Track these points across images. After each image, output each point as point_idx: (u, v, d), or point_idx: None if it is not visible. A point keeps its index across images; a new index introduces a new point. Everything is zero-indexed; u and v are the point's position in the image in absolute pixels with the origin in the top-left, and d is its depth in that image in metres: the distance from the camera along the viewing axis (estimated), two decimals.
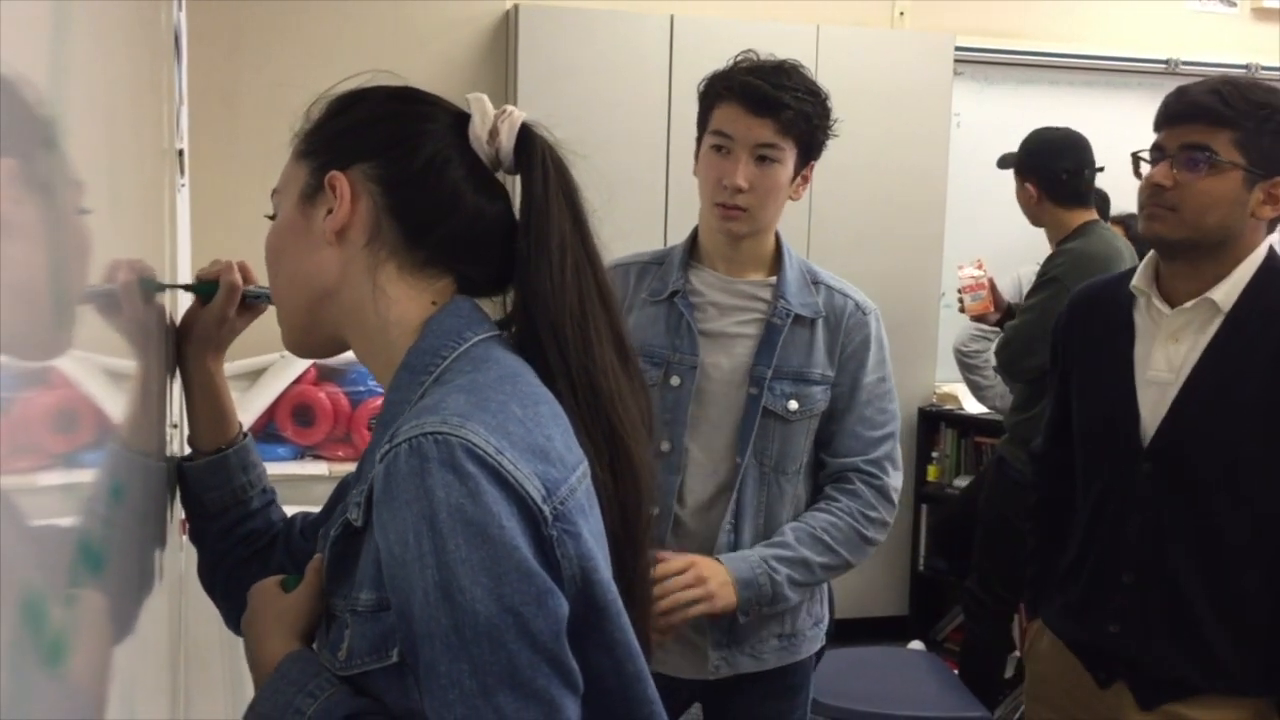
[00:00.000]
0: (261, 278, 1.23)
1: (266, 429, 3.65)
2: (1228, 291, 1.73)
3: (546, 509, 0.91)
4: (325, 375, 3.73)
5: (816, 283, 1.93)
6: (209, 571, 1.28)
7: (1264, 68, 4.96)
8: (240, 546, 1.27)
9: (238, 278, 1.23)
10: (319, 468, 3.61)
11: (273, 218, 1.11)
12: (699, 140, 1.89)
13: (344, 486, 1.21)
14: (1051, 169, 3.39)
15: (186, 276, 1.75)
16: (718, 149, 1.82)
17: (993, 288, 3.75)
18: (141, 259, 1.03)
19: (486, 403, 0.93)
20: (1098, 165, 3.42)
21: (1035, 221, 3.55)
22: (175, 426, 1.32)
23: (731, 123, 1.80)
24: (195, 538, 1.29)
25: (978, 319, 3.82)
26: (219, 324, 1.24)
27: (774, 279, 1.91)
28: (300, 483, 3.48)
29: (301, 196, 1.06)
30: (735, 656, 1.88)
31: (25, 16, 0.50)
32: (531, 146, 1.06)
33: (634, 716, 1.00)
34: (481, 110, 1.06)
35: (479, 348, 1.01)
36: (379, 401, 3.64)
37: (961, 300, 3.77)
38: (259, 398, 3.58)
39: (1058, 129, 3.52)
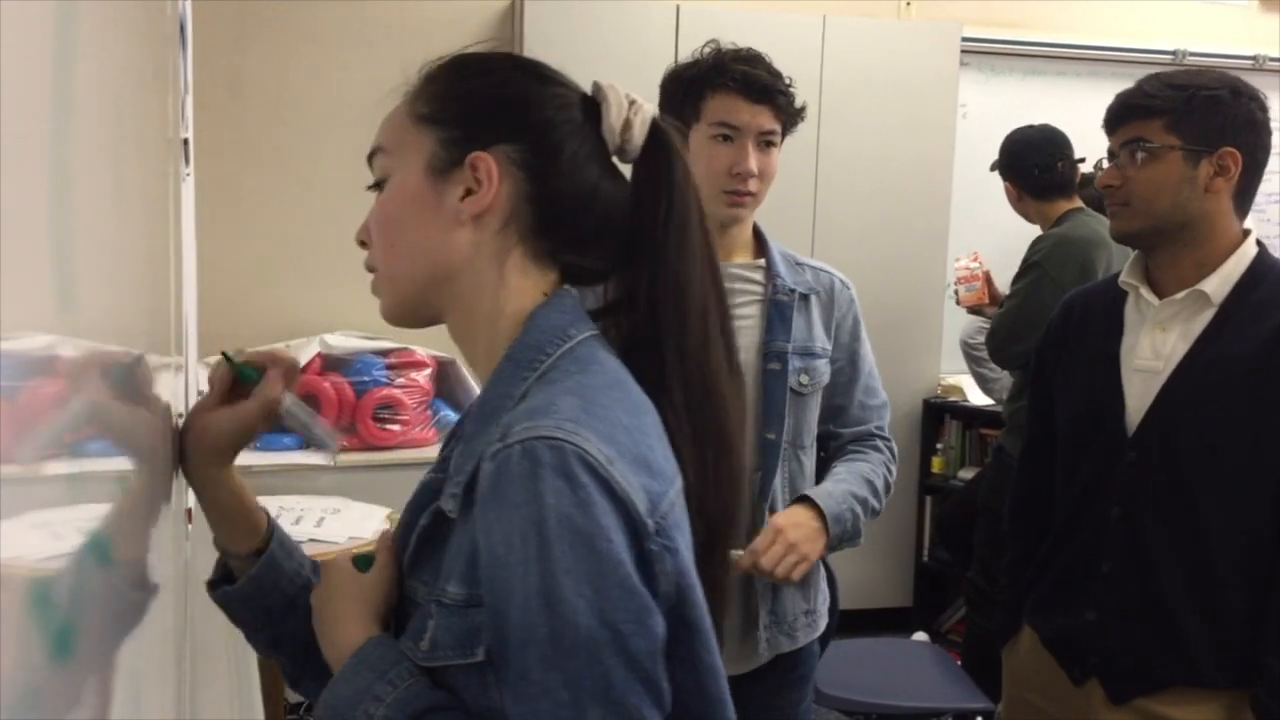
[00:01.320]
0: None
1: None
2: (1219, 284, 1.75)
3: (650, 523, 0.90)
4: (330, 365, 3.74)
5: (799, 264, 1.99)
6: (299, 670, 1.18)
7: (1271, 59, 4.95)
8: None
9: (279, 390, 1.10)
10: (324, 457, 3.61)
11: (375, 185, 1.06)
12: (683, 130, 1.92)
13: (429, 489, 1.16)
14: (1024, 166, 3.54)
15: (190, 268, 1.75)
16: (721, 139, 1.85)
17: (988, 280, 3.80)
18: (142, 357, 0.92)
19: (595, 408, 0.92)
20: (1077, 156, 3.54)
21: (1026, 218, 3.66)
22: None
23: (734, 113, 1.84)
24: (272, 647, 1.18)
25: (974, 311, 3.87)
26: (237, 433, 1.11)
27: (761, 261, 1.96)
28: (304, 472, 3.49)
29: (430, 169, 1.02)
30: (777, 637, 1.93)
31: (30, 4, 0.50)
32: (667, 140, 1.06)
33: None
34: (618, 102, 1.04)
35: (583, 347, 1.00)
36: (383, 392, 3.67)
37: (957, 291, 3.81)
38: None
39: (1032, 127, 3.65)
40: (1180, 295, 1.77)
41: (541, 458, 0.86)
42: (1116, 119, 1.82)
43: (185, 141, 1.67)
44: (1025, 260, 3.47)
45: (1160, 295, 1.81)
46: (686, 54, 1.94)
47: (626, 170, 1.09)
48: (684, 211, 1.04)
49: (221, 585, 1.18)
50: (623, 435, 0.92)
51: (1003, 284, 3.80)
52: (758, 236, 1.99)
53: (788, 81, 1.90)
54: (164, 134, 1.24)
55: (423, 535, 1.00)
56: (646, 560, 0.90)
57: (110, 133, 0.75)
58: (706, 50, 1.88)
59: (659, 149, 1.05)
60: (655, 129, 1.06)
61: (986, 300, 3.84)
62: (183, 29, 1.59)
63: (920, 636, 4.45)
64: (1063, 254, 3.35)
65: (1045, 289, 3.31)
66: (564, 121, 1.03)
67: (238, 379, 1.11)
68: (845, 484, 1.91)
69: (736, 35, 1.92)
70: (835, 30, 4.28)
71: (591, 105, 1.05)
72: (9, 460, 0.48)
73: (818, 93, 4.16)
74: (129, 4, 0.89)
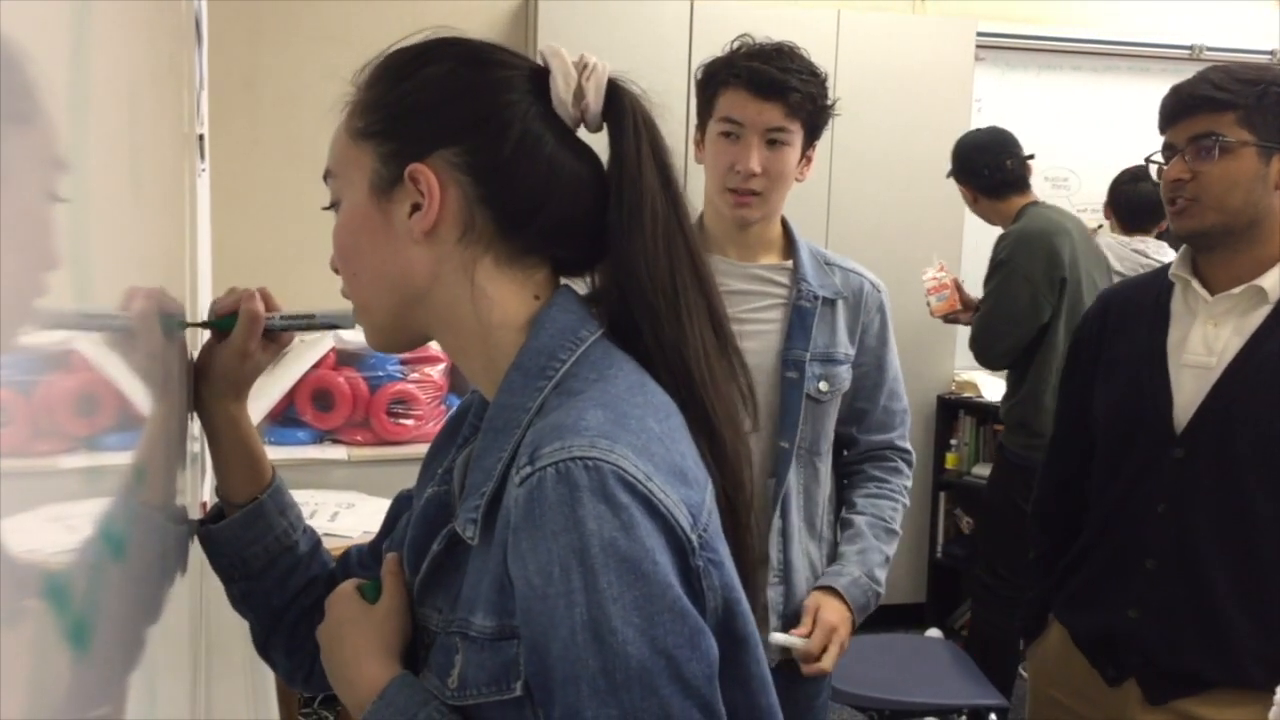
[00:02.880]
0: (287, 293, 1.15)
1: (286, 413, 3.67)
2: (1277, 280, 1.72)
3: (693, 538, 0.86)
4: (344, 360, 3.75)
5: (829, 264, 1.95)
6: (265, 633, 1.18)
7: None
8: (302, 597, 1.17)
9: (259, 306, 1.12)
10: (338, 452, 3.63)
11: (331, 206, 1.00)
12: (700, 128, 1.91)
13: (402, 500, 1.16)
14: (975, 167, 3.64)
15: (206, 263, 1.75)
16: (727, 135, 1.83)
17: (957, 286, 3.87)
18: (162, 289, 0.95)
19: (626, 419, 0.86)
20: (1027, 154, 3.66)
21: (987, 220, 3.73)
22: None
23: (740, 108, 1.81)
24: (242, 601, 1.18)
25: (949, 320, 3.92)
26: (240, 359, 1.12)
27: (789, 262, 1.92)
28: (319, 467, 3.50)
29: (374, 188, 0.95)
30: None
31: (47, 2, 0.50)
32: (621, 105, 0.97)
33: None
34: (564, 70, 0.95)
35: (596, 349, 0.94)
36: (397, 386, 3.68)
37: (929, 303, 3.87)
38: (279, 382, 3.60)
39: (979, 130, 3.80)
40: (1236, 291, 1.74)
41: (578, 480, 0.81)
42: (1179, 112, 1.75)
43: (201, 137, 1.68)
44: (992, 260, 3.54)
45: (1212, 290, 1.77)
46: (700, 51, 1.93)
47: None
48: (635, 185, 0.95)
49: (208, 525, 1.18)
50: (656, 446, 0.86)
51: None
52: (789, 235, 1.95)
53: (822, 78, 1.86)
54: (180, 129, 1.25)
55: (436, 561, 0.96)
56: (693, 578, 0.86)
57: (126, 128, 0.76)
58: (733, 45, 1.86)
59: (615, 115, 0.97)
60: (613, 92, 0.97)
61: (959, 307, 3.90)
62: (198, 25, 1.59)
63: (934, 633, 4.44)
64: (1027, 247, 3.42)
65: (1016, 284, 3.39)
66: (503, 109, 0.94)
67: (222, 333, 1.14)
68: (869, 555, 1.91)
69: (750, 31, 1.90)
70: (849, 25, 4.27)
71: (543, 77, 0.96)
72: (25, 454, 0.48)
73: (832, 88, 4.14)
74: (144, 2, 0.89)
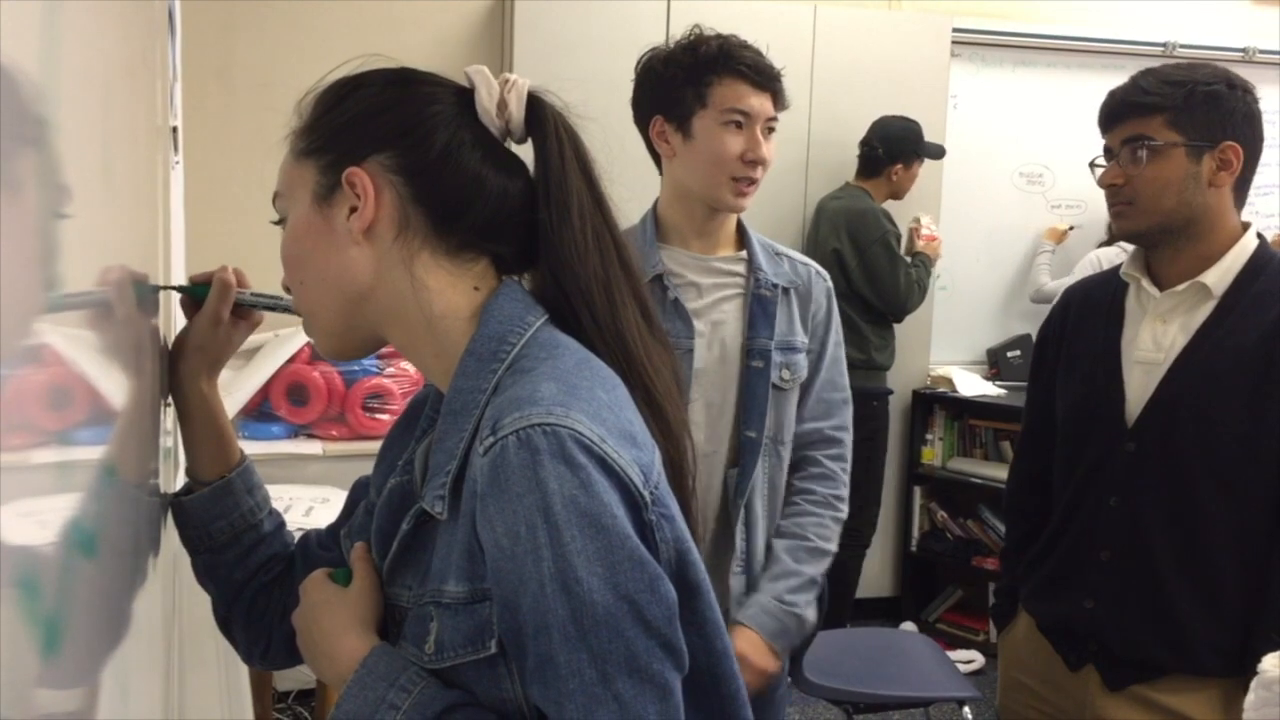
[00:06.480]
0: (259, 283, 1.22)
1: (260, 408, 3.65)
2: (1220, 276, 1.76)
3: (646, 494, 0.92)
4: (319, 355, 3.73)
5: (778, 254, 1.98)
6: (225, 606, 1.24)
7: (1261, 51, 4.96)
8: (261, 573, 1.25)
9: (231, 276, 1.22)
10: (313, 447, 3.61)
11: (279, 223, 1.07)
12: (674, 120, 1.87)
13: (360, 486, 1.22)
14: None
15: (179, 256, 1.74)
16: (733, 125, 1.84)
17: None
18: (132, 267, 0.98)
19: (576, 389, 0.93)
20: (890, 159, 4.18)
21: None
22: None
23: (744, 99, 1.83)
24: (205, 574, 1.24)
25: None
26: (213, 328, 1.21)
27: (743, 253, 1.95)
28: (294, 462, 3.49)
29: (315, 197, 1.03)
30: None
31: None
32: (542, 115, 1.05)
33: (721, 693, 1.01)
34: (486, 84, 1.04)
35: (544, 333, 1.01)
36: (373, 381, 3.67)
37: (929, 246, 4.34)
38: (253, 376, 3.58)
39: (898, 119, 4.21)
40: (1181, 287, 1.77)
41: (539, 444, 0.87)
42: (1113, 117, 1.80)
43: (174, 129, 1.67)
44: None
45: (1161, 287, 1.81)
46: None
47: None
48: (560, 189, 1.03)
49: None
50: (606, 412, 0.93)
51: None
52: (740, 227, 1.98)
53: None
54: (153, 122, 1.24)
55: (405, 541, 1.01)
56: (648, 531, 0.92)
57: (98, 122, 0.75)
58: (693, 35, 1.86)
59: (537, 124, 1.05)
60: (534, 103, 1.05)
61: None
62: (171, 17, 1.58)
63: (908, 626, 4.47)
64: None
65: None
66: (430, 117, 1.02)
67: (197, 301, 1.22)
68: (785, 578, 1.87)
69: (726, 26, 1.90)
70: (826, 21, 4.27)
71: (469, 94, 1.05)
72: None
73: (809, 84, 4.16)
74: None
